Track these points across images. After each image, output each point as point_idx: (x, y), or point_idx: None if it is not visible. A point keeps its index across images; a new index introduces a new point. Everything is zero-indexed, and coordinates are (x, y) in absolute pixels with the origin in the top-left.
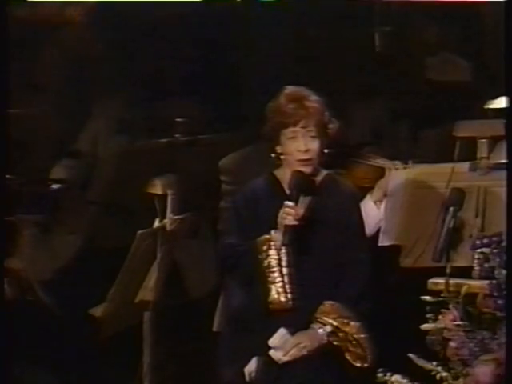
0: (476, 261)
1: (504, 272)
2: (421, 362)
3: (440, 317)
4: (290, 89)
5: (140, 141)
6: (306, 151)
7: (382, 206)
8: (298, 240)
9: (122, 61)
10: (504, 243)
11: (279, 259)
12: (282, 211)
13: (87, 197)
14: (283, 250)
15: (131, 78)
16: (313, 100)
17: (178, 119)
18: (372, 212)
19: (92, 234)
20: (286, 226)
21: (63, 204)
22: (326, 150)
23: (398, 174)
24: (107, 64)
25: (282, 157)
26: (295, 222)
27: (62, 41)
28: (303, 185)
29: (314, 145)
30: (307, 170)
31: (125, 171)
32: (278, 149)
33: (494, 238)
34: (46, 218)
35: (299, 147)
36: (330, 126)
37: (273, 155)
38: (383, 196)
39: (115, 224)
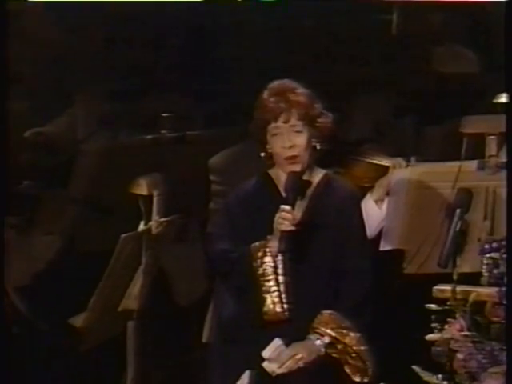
0: (485, 266)
1: None
2: (425, 375)
3: (446, 326)
4: (275, 82)
5: (123, 137)
6: (291, 147)
7: (384, 206)
8: (295, 246)
9: (105, 51)
10: None
11: (275, 267)
12: (277, 216)
13: (67, 195)
14: (279, 257)
15: (114, 69)
16: (298, 92)
17: (165, 114)
18: (373, 212)
19: (71, 236)
20: (283, 232)
21: (40, 203)
22: (318, 146)
23: (400, 173)
24: (88, 54)
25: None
26: (292, 228)
27: (42, 31)
28: (300, 187)
29: (300, 140)
30: (296, 167)
31: (107, 169)
32: (269, 148)
33: (504, 242)
34: (21, 217)
35: (283, 143)
36: (321, 119)
37: (262, 154)
38: (384, 195)
39: (97, 226)
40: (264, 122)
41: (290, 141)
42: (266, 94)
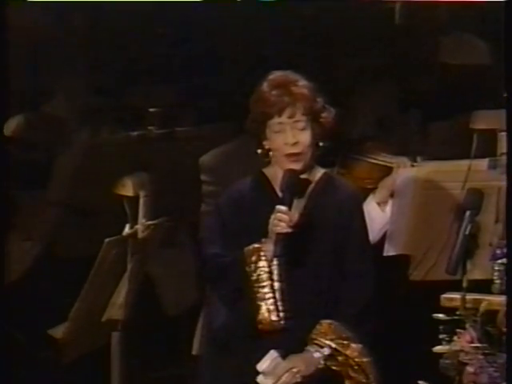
0: (496, 273)
1: None
2: None
3: (455, 338)
4: (274, 74)
5: (107, 133)
6: (295, 144)
7: (388, 208)
8: (292, 250)
9: (89, 42)
10: None
11: (270, 272)
12: (273, 217)
13: (46, 197)
14: (275, 262)
15: (99, 61)
16: (301, 85)
17: (152, 109)
18: (376, 215)
19: (51, 242)
20: (278, 234)
21: (17, 206)
22: (320, 143)
23: (405, 173)
24: (71, 46)
25: (270, 153)
26: (288, 230)
27: (24, 22)
28: (297, 186)
29: (304, 137)
30: (298, 166)
31: (89, 169)
32: (266, 144)
33: None
34: None
35: (287, 140)
36: (324, 114)
37: (259, 151)
38: (388, 196)
39: (79, 230)
40: (265, 116)
41: (294, 137)
42: (265, 87)
